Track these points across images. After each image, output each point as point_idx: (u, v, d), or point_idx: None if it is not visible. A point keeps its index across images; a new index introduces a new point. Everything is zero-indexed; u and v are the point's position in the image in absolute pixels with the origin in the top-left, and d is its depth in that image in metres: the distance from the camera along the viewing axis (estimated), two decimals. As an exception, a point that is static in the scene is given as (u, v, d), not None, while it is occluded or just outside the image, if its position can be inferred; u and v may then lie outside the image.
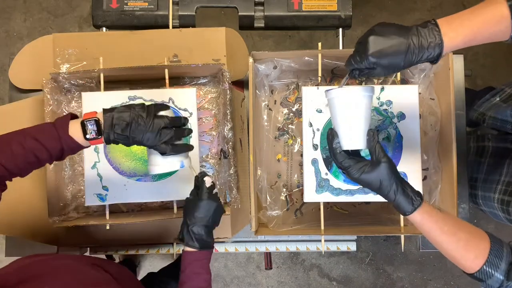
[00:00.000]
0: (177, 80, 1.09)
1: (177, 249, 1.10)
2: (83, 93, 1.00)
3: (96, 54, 1.05)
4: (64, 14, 2.02)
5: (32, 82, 1.08)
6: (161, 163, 0.80)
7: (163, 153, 0.78)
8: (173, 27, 1.12)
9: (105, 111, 0.74)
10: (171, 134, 0.76)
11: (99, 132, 0.73)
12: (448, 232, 0.70)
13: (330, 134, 0.75)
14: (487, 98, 1.18)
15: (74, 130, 0.73)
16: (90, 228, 1.07)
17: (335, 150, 0.74)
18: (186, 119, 0.81)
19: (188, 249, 0.80)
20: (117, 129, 0.73)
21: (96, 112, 0.74)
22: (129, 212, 1.07)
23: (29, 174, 0.99)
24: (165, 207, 1.08)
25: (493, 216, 1.12)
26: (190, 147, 0.82)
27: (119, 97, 1.01)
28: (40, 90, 1.00)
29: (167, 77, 1.02)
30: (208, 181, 0.82)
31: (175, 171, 0.99)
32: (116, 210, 1.07)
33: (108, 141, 0.74)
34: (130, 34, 1.09)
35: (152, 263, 1.91)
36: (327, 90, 0.75)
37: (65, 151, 0.74)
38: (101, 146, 1.00)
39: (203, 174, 0.83)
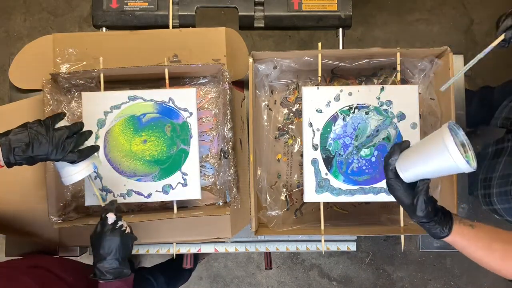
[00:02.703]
0: (177, 80, 1.09)
1: (177, 249, 1.10)
2: (83, 93, 1.00)
3: (96, 54, 1.05)
4: (64, 14, 2.01)
5: (32, 82, 1.08)
6: (75, 171, 0.81)
7: (72, 162, 0.78)
8: (173, 27, 1.12)
9: (0, 136, 0.73)
10: (74, 142, 0.77)
11: None
12: (483, 247, 0.70)
13: (393, 150, 0.72)
14: (506, 104, 1.21)
15: None
16: (90, 228, 1.07)
17: (388, 165, 0.72)
18: (82, 123, 0.81)
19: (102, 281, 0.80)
20: (17, 152, 0.72)
21: None
22: (129, 212, 1.07)
23: (30, 175, 1.00)
24: (165, 207, 1.08)
25: (508, 213, 1.12)
26: (96, 148, 0.82)
27: (119, 97, 1.01)
28: (40, 90, 1.00)
29: (167, 77, 1.02)
30: (111, 218, 0.81)
31: (175, 171, 0.99)
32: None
33: (9, 165, 0.73)
34: (130, 34, 1.09)
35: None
36: (449, 135, 0.65)
37: None
38: (101, 145, 1.00)
39: (106, 210, 0.82)
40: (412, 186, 0.72)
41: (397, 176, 0.71)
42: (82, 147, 0.80)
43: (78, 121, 0.82)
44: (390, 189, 0.72)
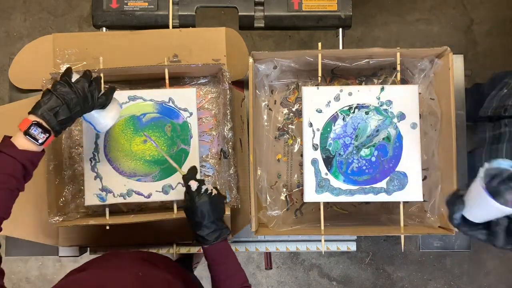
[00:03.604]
0: (177, 80, 1.09)
1: (177, 249, 1.10)
2: (83, 93, 1.00)
3: (96, 54, 1.05)
4: (64, 14, 2.02)
5: (32, 82, 1.08)
6: (108, 116, 0.85)
7: (103, 106, 0.81)
8: (173, 27, 1.12)
9: (33, 111, 0.74)
10: (96, 88, 0.79)
11: (45, 131, 0.73)
12: None
13: (456, 203, 0.68)
14: (495, 94, 1.24)
15: (22, 143, 0.73)
16: (90, 228, 1.07)
17: (454, 219, 0.69)
18: (89, 71, 0.82)
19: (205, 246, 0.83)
20: (59, 116, 0.74)
21: (26, 118, 0.74)
22: (129, 212, 1.07)
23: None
24: (165, 207, 1.08)
25: None
26: (114, 88, 0.85)
27: (119, 97, 1.00)
28: (40, 90, 1.00)
29: (167, 77, 1.02)
30: (193, 185, 0.83)
31: (175, 171, 0.99)
32: (116, 210, 1.07)
33: (59, 133, 0.76)
34: (130, 34, 1.09)
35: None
36: (492, 201, 0.62)
37: (27, 167, 0.74)
38: (101, 144, 1.00)
39: (188, 179, 0.84)
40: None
41: (465, 220, 0.68)
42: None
43: (85, 70, 0.83)
44: (460, 230, 0.69)
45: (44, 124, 0.73)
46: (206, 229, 0.82)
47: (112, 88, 0.85)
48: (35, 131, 0.72)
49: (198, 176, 0.87)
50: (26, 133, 0.72)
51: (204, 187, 0.83)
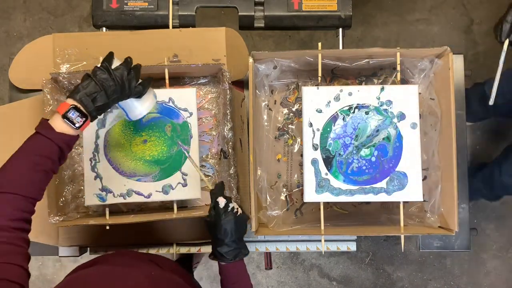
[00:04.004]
0: (177, 80, 1.09)
1: (177, 249, 1.10)
2: (83, 93, 1.00)
3: (96, 54, 1.05)
4: (64, 14, 2.01)
5: (32, 82, 1.08)
6: (142, 105, 0.86)
7: (139, 95, 0.82)
8: (173, 27, 1.12)
9: (72, 95, 0.75)
10: (134, 76, 0.80)
11: (83, 115, 0.74)
12: None
13: None
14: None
15: (60, 126, 0.74)
16: (90, 228, 1.07)
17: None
18: (130, 58, 0.83)
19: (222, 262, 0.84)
20: (97, 102, 0.75)
21: (65, 101, 0.75)
22: (129, 212, 1.07)
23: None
24: (165, 207, 1.08)
25: None
26: (150, 78, 0.86)
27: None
28: (40, 90, 1.00)
29: (167, 77, 1.02)
30: (222, 202, 0.83)
31: (175, 171, 0.99)
32: (116, 210, 1.07)
33: (95, 118, 0.77)
34: (130, 34, 1.09)
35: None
36: None
37: (64, 150, 0.74)
38: (101, 144, 1.00)
39: (215, 195, 0.84)
40: None
41: None
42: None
43: (127, 57, 0.84)
44: None
45: (82, 108, 0.74)
46: (227, 247, 0.82)
47: (149, 78, 0.86)
48: (73, 115, 0.73)
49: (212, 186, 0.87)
50: (64, 116, 0.73)
51: (231, 205, 0.84)
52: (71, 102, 0.74)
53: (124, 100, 0.83)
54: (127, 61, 0.82)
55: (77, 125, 0.74)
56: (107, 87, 0.76)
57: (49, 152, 0.72)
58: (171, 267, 0.89)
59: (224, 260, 0.83)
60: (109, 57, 0.81)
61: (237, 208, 0.85)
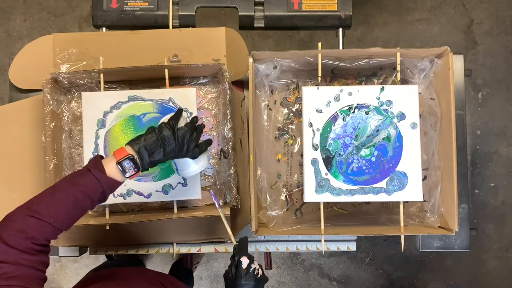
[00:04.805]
0: (177, 80, 1.09)
1: (177, 249, 1.10)
2: (83, 93, 1.00)
3: (96, 54, 1.05)
4: (64, 14, 2.01)
5: (32, 82, 1.08)
6: (195, 165, 0.86)
7: (194, 157, 0.83)
8: (173, 27, 1.12)
9: (132, 144, 0.75)
10: (196, 139, 0.81)
11: (136, 167, 0.75)
12: None
13: None
14: None
15: (112, 171, 0.74)
16: (90, 228, 1.07)
17: None
18: (196, 118, 0.84)
19: None
20: (154, 157, 0.76)
21: (124, 148, 0.75)
22: (129, 212, 1.07)
23: (30, 175, 1.01)
24: (165, 207, 1.08)
25: None
26: (210, 141, 0.87)
27: (119, 97, 1.01)
28: (40, 90, 1.00)
29: (167, 77, 1.02)
30: (244, 263, 0.82)
31: (174, 171, 0.99)
32: (116, 210, 1.07)
33: (146, 170, 0.77)
34: (130, 34, 1.09)
35: (152, 263, 1.91)
36: None
37: (106, 193, 0.75)
38: (101, 145, 1.00)
39: (240, 252, 0.83)
40: None
41: None
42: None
43: (194, 116, 0.85)
44: None
45: (137, 160, 0.75)
46: None
47: (208, 140, 0.86)
48: (127, 164, 0.74)
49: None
50: (119, 163, 0.74)
51: (253, 266, 0.82)
52: (129, 151, 0.75)
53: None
54: (193, 122, 0.83)
55: (127, 174, 0.74)
56: (167, 145, 0.77)
57: (93, 192, 0.72)
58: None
59: None
60: (177, 114, 0.82)
61: (258, 269, 0.83)
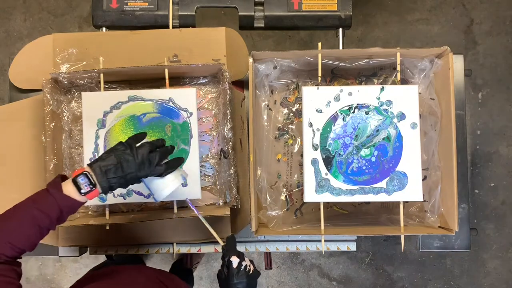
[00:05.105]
0: (177, 80, 1.09)
1: (177, 248, 1.10)
2: (83, 93, 1.00)
3: (96, 54, 1.05)
4: (64, 14, 2.01)
5: (32, 82, 1.08)
6: (164, 185, 0.81)
7: (160, 175, 0.80)
8: (173, 27, 1.12)
9: (91, 163, 0.76)
10: (159, 155, 0.79)
11: (91, 183, 0.74)
12: None
13: None
14: None
15: (68, 189, 0.74)
16: (90, 228, 1.07)
17: None
18: (163, 140, 0.83)
19: None
20: (110, 174, 0.75)
21: (83, 168, 0.76)
22: (129, 212, 1.07)
23: (30, 175, 1.00)
24: (165, 207, 1.08)
25: None
26: (181, 159, 0.84)
27: (119, 97, 1.01)
28: (40, 90, 1.00)
29: (167, 77, 1.02)
30: (235, 262, 0.82)
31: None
32: (116, 210, 1.07)
33: (105, 190, 0.76)
34: (130, 34, 1.09)
35: (152, 263, 1.91)
36: None
37: (63, 212, 0.75)
38: (101, 145, 1.00)
39: (229, 252, 0.83)
40: None
41: None
42: (167, 160, 0.82)
43: (159, 138, 0.85)
44: None
45: (92, 176, 0.74)
46: None
47: (178, 158, 0.84)
48: (82, 180, 0.74)
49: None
50: (74, 180, 0.74)
51: (244, 264, 0.82)
52: (86, 168, 0.75)
53: (148, 178, 0.81)
54: (158, 141, 0.82)
55: (82, 190, 0.74)
56: (124, 161, 0.76)
57: (49, 210, 0.73)
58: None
59: None
60: (138, 135, 0.82)
61: (250, 266, 0.83)
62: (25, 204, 0.73)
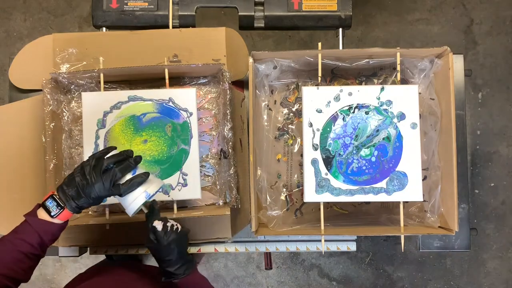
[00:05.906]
0: (177, 80, 1.09)
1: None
2: (83, 93, 1.00)
3: (96, 54, 1.05)
4: (64, 14, 2.02)
5: (32, 82, 1.08)
6: (128, 203, 0.77)
7: (119, 195, 0.76)
8: (173, 27, 1.12)
9: (57, 187, 0.76)
10: (114, 173, 0.74)
11: (59, 205, 0.74)
12: None
13: None
14: None
15: (41, 213, 0.75)
16: (90, 228, 1.07)
17: None
18: (130, 151, 0.78)
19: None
20: (73, 197, 0.74)
21: (52, 191, 0.76)
22: (129, 212, 1.07)
23: (30, 175, 1.00)
24: (165, 207, 1.08)
25: None
26: (145, 175, 0.77)
27: (119, 97, 1.01)
28: (40, 90, 1.00)
29: (167, 77, 1.02)
30: (159, 226, 0.81)
31: (175, 171, 0.99)
32: (116, 210, 1.07)
33: (74, 210, 0.75)
34: (130, 34, 1.09)
35: (152, 263, 1.91)
36: None
37: (44, 239, 0.75)
38: (101, 145, 1.00)
39: (151, 218, 0.82)
40: None
41: None
42: (128, 177, 0.76)
43: (123, 151, 0.78)
44: None
45: (59, 198, 0.74)
46: (175, 264, 0.82)
47: (143, 174, 0.77)
48: (50, 204, 0.74)
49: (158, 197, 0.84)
50: (43, 204, 0.75)
51: (169, 224, 0.82)
52: (54, 191, 0.75)
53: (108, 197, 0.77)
54: (121, 153, 0.77)
55: (52, 213, 0.74)
56: (81, 182, 0.73)
57: (26, 236, 0.74)
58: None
59: (177, 277, 0.83)
60: (108, 148, 0.78)
61: (176, 225, 0.83)
62: (9, 235, 0.75)
